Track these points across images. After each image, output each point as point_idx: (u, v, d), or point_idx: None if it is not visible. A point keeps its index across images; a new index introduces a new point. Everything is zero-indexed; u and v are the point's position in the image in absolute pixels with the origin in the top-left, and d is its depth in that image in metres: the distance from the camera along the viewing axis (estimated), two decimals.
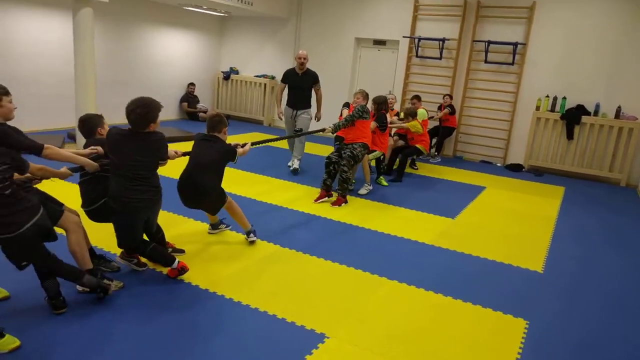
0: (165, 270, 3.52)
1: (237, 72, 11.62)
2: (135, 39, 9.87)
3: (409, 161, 7.84)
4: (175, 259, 3.43)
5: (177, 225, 4.46)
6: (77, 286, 3.11)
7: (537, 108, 8.47)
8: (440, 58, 9.07)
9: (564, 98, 8.24)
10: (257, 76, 11.30)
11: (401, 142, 7.31)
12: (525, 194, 6.88)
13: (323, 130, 5.85)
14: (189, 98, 11.04)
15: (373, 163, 6.84)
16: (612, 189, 7.70)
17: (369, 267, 3.91)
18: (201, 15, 10.93)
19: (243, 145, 4.17)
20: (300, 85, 6.77)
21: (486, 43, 8.51)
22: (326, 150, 7.92)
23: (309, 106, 6.91)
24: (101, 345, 2.67)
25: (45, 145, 3.02)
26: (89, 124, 3.51)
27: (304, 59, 6.67)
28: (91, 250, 3.43)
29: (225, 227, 4.44)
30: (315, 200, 5.63)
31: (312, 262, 3.97)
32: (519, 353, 2.90)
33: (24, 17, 7.86)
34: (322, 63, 10.17)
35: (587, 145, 8.15)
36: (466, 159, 9.18)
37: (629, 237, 5.33)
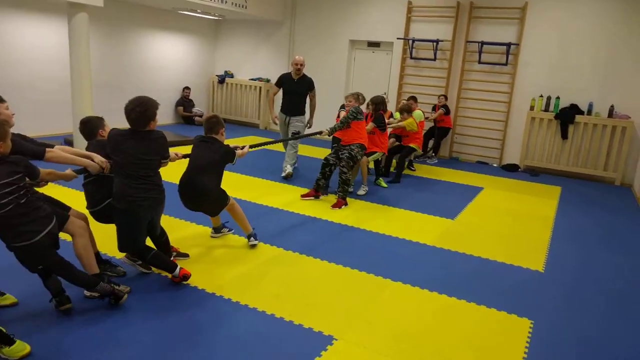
0: (169, 274, 3.52)
1: (231, 76, 11.62)
2: (130, 43, 9.85)
3: (406, 162, 7.90)
4: (177, 266, 3.42)
5: (179, 229, 4.46)
6: (85, 291, 3.11)
7: (532, 108, 8.54)
8: (434, 59, 9.12)
9: (558, 98, 8.32)
10: (252, 79, 11.30)
11: (396, 143, 7.33)
12: (522, 194, 6.93)
13: (320, 133, 5.87)
14: (185, 102, 11.02)
15: (372, 165, 6.87)
16: (607, 188, 7.78)
17: (372, 268, 3.92)
18: (195, 19, 10.93)
19: (242, 148, 4.18)
20: (296, 90, 6.71)
21: (479, 44, 8.58)
22: (322, 153, 7.94)
23: (303, 113, 6.83)
24: (108, 349, 2.66)
25: (47, 149, 3.05)
26: (90, 126, 3.53)
27: (301, 65, 6.60)
28: (97, 255, 3.42)
29: (228, 231, 4.44)
30: (302, 196, 5.72)
31: (314, 264, 3.99)
32: (525, 352, 2.92)
33: (19, 23, 7.81)
34: (316, 65, 10.20)
35: (581, 145, 8.23)
36: (462, 159, 9.24)
37: (625, 236, 5.39)
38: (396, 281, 3.75)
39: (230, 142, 4.11)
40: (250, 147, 4.47)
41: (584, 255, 4.68)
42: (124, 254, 3.62)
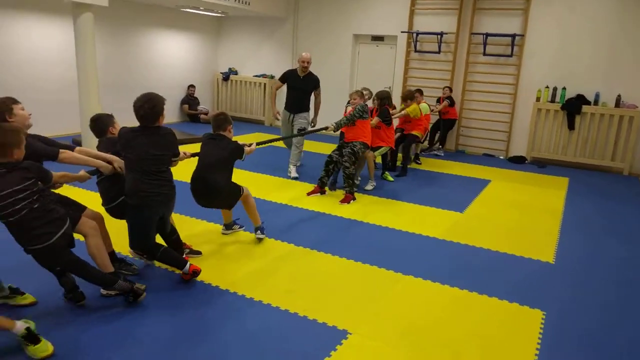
0: (177, 270, 3.56)
1: (236, 73, 11.63)
2: (134, 42, 9.87)
3: (412, 156, 7.90)
4: (186, 263, 3.44)
5: (190, 227, 4.49)
6: (101, 290, 3.15)
7: (538, 99, 8.52)
8: (438, 52, 9.10)
9: (564, 88, 8.29)
10: (256, 76, 11.31)
11: (398, 134, 7.31)
12: (530, 185, 6.93)
13: (326, 128, 5.89)
14: (190, 100, 11.05)
15: (379, 160, 6.88)
16: (615, 178, 7.76)
17: (383, 262, 3.94)
18: (198, 17, 10.93)
19: (249, 145, 4.21)
20: (301, 88, 6.64)
21: (484, 35, 8.55)
22: (328, 148, 7.95)
23: (308, 109, 6.79)
24: (125, 346, 2.70)
25: (61, 150, 3.08)
26: (101, 124, 3.58)
27: (308, 62, 6.49)
28: (112, 254, 3.46)
29: (239, 228, 4.47)
30: (308, 194, 5.75)
31: (325, 259, 4.01)
32: (538, 343, 2.94)
33: (24, 24, 7.85)
34: (320, 61, 10.17)
35: (588, 135, 8.20)
36: (468, 152, 9.22)
37: (634, 226, 5.37)
38: (407, 275, 3.76)
39: (237, 139, 4.12)
40: (258, 144, 4.50)
41: (594, 246, 4.68)
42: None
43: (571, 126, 8.25)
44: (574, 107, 8.15)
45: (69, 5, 6.48)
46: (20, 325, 2.53)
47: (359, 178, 6.35)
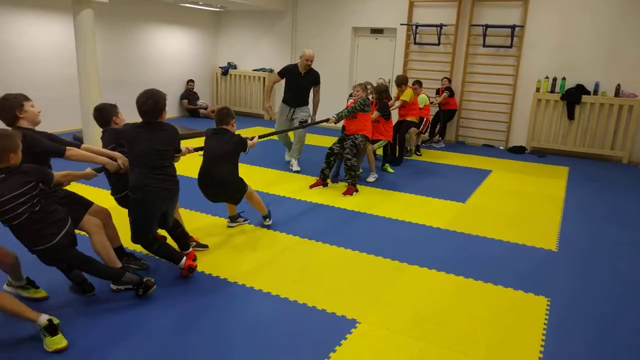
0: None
1: (235, 67, 11.62)
2: (133, 38, 9.85)
3: (414, 148, 7.94)
4: (182, 258, 3.45)
5: (196, 221, 4.52)
6: (111, 285, 3.18)
7: (537, 89, 8.54)
8: (438, 44, 9.11)
9: (564, 78, 8.32)
10: (255, 70, 11.30)
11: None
12: (531, 175, 6.97)
13: (327, 120, 5.92)
14: (189, 95, 11.05)
15: (380, 152, 6.92)
16: (614, 167, 7.81)
17: (388, 253, 3.99)
18: (197, 12, 10.91)
19: (252, 139, 4.25)
20: (302, 85, 6.53)
21: (484, 27, 8.56)
22: (328, 141, 7.97)
23: (307, 103, 6.70)
24: (133, 335, 2.74)
25: (67, 148, 3.11)
26: (104, 113, 3.61)
27: (311, 60, 6.36)
28: (120, 249, 3.49)
29: (244, 221, 4.51)
30: (311, 187, 5.79)
31: (330, 250, 4.05)
32: (544, 329, 2.99)
33: (24, 21, 7.83)
34: (320, 54, 10.12)
35: (588, 125, 8.24)
36: (468, 143, 9.26)
37: (635, 213, 5.43)
38: (413, 264, 3.81)
39: (238, 133, 4.17)
40: (260, 137, 4.55)
41: (596, 233, 4.73)
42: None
43: (571, 116, 8.28)
44: (573, 97, 8.18)
45: (69, 1, 6.47)
46: (43, 317, 2.60)
47: (361, 170, 6.40)
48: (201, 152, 4.14)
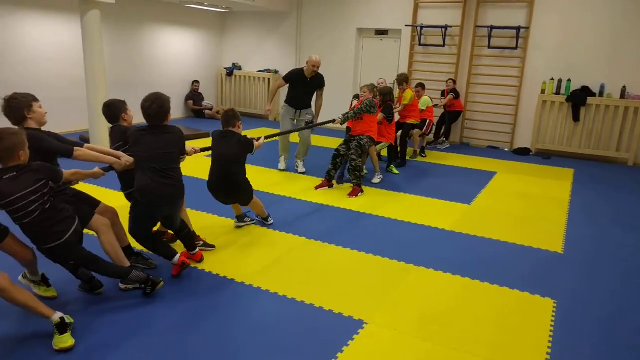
0: (193, 264, 3.63)
1: (239, 68, 11.66)
2: (139, 39, 9.91)
3: (419, 149, 7.96)
4: (176, 254, 3.47)
5: (202, 221, 4.53)
6: (120, 284, 3.21)
7: (542, 91, 8.54)
8: (443, 45, 9.11)
9: (569, 80, 8.31)
10: (260, 71, 11.33)
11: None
12: (536, 177, 6.97)
13: (333, 121, 5.94)
14: (194, 96, 11.09)
15: (384, 153, 6.94)
16: (620, 169, 7.80)
17: (394, 254, 4.00)
18: (202, 13, 10.95)
19: (258, 139, 4.29)
20: (308, 90, 6.49)
21: (489, 28, 8.56)
22: (334, 142, 7.99)
23: (311, 106, 6.66)
24: (141, 333, 2.76)
25: (75, 148, 3.14)
26: (114, 109, 3.65)
27: (318, 67, 6.29)
28: (128, 248, 3.52)
29: (251, 221, 4.54)
30: (317, 188, 5.81)
31: (336, 251, 4.07)
32: (551, 331, 3.00)
33: (30, 21, 7.89)
34: (324, 55, 10.14)
35: (593, 127, 8.23)
36: (473, 145, 9.26)
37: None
38: (419, 266, 3.82)
39: (243, 133, 4.20)
40: (266, 137, 4.58)
41: (602, 236, 4.73)
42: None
43: (576, 118, 8.28)
44: (579, 98, 8.17)
45: (76, 2, 6.51)
46: (57, 315, 2.63)
47: (366, 171, 6.42)
48: (207, 153, 4.18)
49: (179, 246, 3.81)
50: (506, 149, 8.97)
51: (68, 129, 8.23)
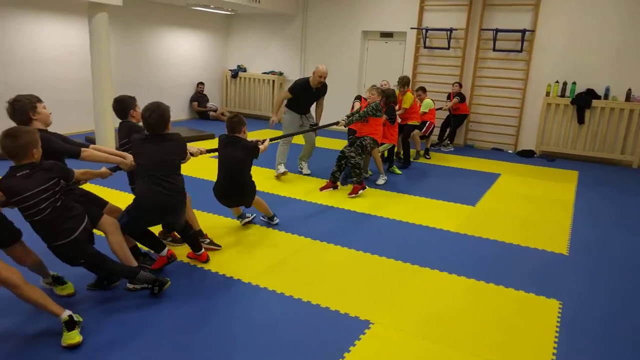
0: (199, 264, 3.65)
1: (244, 70, 11.70)
2: (145, 40, 9.96)
3: (422, 151, 7.98)
4: (165, 247, 3.52)
5: (207, 221, 4.54)
6: (127, 284, 3.23)
7: (547, 94, 8.55)
8: (448, 48, 9.14)
9: (574, 83, 8.32)
10: (265, 73, 11.37)
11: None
12: (540, 179, 6.98)
13: (337, 123, 5.96)
14: (199, 97, 11.13)
15: (385, 154, 6.97)
16: (624, 172, 7.79)
17: (400, 255, 4.02)
18: (207, 15, 11.00)
19: (263, 142, 4.32)
20: (313, 99, 6.48)
21: (494, 31, 8.58)
22: (338, 143, 8.02)
23: (310, 110, 6.65)
24: (146, 332, 2.79)
25: (82, 149, 3.18)
26: (124, 104, 3.73)
27: (325, 77, 6.24)
28: (135, 248, 3.55)
29: (252, 216, 4.62)
30: (321, 189, 5.82)
31: (341, 252, 4.09)
32: (556, 331, 3.01)
33: (38, 23, 7.95)
34: (329, 57, 10.27)
35: (598, 129, 8.23)
36: (477, 147, 9.27)
37: None
38: (424, 267, 3.84)
39: (248, 135, 4.24)
40: (271, 140, 4.62)
41: (606, 238, 4.73)
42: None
43: (581, 120, 8.28)
44: (583, 101, 8.18)
45: (83, 4, 6.55)
46: (66, 313, 2.67)
47: (370, 172, 6.45)
48: (212, 154, 4.21)
49: (186, 248, 3.83)
50: (510, 151, 8.98)
51: (73, 130, 8.28)
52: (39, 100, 3.17)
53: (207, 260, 3.74)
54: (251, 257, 3.92)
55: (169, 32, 10.46)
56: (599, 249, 4.45)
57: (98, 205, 3.39)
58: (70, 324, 2.65)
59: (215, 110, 11.19)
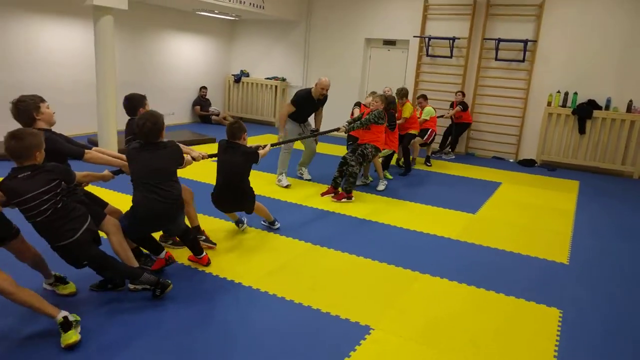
0: (201, 268, 3.66)
1: (247, 75, 11.75)
2: (149, 44, 10.01)
3: (422, 159, 7.99)
4: (163, 249, 3.55)
5: (206, 226, 4.54)
6: (129, 285, 3.24)
7: (549, 104, 8.58)
8: (450, 57, 9.18)
9: (575, 93, 8.35)
10: (267, 78, 11.42)
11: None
12: (541, 188, 6.99)
13: (337, 129, 5.99)
14: (202, 101, 11.17)
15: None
16: (625, 182, 7.81)
17: (400, 261, 4.02)
18: (212, 20, 11.06)
19: (263, 147, 4.35)
20: (314, 109, 6.48)
21: (496, 41, 8.63)
22: (339, 149, 8.04)
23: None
24: (149, 334, 2.79)
25: (86, 151, 3.20)
26: (134, 101, 3.82)
27: (327, 89, 6.24)
28: (137, 249, 3.56)
29: (245, 220, 4.62)
30: (322, 194, 5.85)
31: (342, 257, 4.10)
32: (557, 340, 3.01)
33: (44, 26, 8.00)
34: (332, 64, 10.34)
35: (599, 139, 8.25)
36: (478, 155, 9.30)
37: None
38: (425, 273, 3.84)
39: (249, 140, 4.26)
40: (272, 145, 4.65)
41: (607, 248, 4.74)
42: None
43: (582, 130, 8.31)
44: (585, 111, 8.21)
45: (89, 8, 6.59)
46: (61, 314, 2.67)
47: (371, 178, 6.48)
48: (213, 159, 4.23)
49: (187, 251, 3.83)
50: (511, 160, 9.00)
51: (77, 132, 8.31)
52: (42, 100, 3.19)
53: (208, 264, 3.75)
54: (252, 261, 3.93)
55: (173, 37, 10.51)
56: (599, 258, 4.46)
57: (101, 206, 3.42)
58: (66, 325, 2.65)
59: (217, 115, 11.23)
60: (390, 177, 6.87)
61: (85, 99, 8.32)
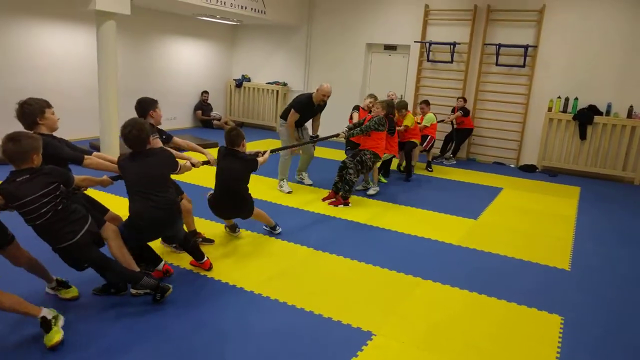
0: (202, 272, 3.66)
1: (249, 80, 11.78)
2: (151, 49, 10.05)
3: (424, 165, 8.00)
4: (161, 261, 3.55)
5: (206, 230, 4.56)
6: (131, 289, 3.25)
7: (550, 109, 8.59)
8: (451, 62, 9.20)
9: (576, 99, 8.37)
10: (269, 83, 11.45)
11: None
12: (542, 194, 6.99)
13: (337, 135, 6.00)
14: (203, 106, 11.20)
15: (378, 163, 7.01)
16: (626, 188, 7.81)
17: (402, 267, 4.03)
18: (213, 25, 11.10)
19: (263, 153, 4.36)
20: (313, 114, 6.49)
21: (497, 46, 8.64)
22: (339, 154, 8.04)
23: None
24: (150, 339, 2.79)
25: (86, 156, 3.21)
26: (144, 105, 3.88)
27: (329, 96, 6.26)
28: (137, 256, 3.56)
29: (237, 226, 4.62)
30: (324, 200, 5.86)
31: (344, 262, 4.10)
32: (558, 347, 3.01)
33: (45, 31, 8.03)
34: (333, 69, 10.37)
35: (600, 145, 8.26)
36: (479, 160, 9.30)
37: None
38: (426, 279, 3.84)
39: (250, 145, 4.26)
40: (272, 151, 4.66)
41: (608, 254, 4.74)
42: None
43: (583, 136, 8.32)
44: (585, 117, 8.22)
45: (92, 13, 6.62)
46: (43, 313, 2.68)
47: (371, 183, 6.49)
48: (209, 165, 4.25)
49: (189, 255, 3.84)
50: (512, 165, 9.01)
51: (80, 136, 8.33)
52: (49, 106, 3.21)
53: (210, 268, 3.75)
54: (253, 265, 3.94)
55: (175, 41, 10.55)
56: (601, 264, 4.46)
57: (100, 212, 3.42)
58: (46, 325, 2.65)
59: (219, 119, 11.25)
60: (385, 180, 6.89)
61: (87, 103, 8.35)
